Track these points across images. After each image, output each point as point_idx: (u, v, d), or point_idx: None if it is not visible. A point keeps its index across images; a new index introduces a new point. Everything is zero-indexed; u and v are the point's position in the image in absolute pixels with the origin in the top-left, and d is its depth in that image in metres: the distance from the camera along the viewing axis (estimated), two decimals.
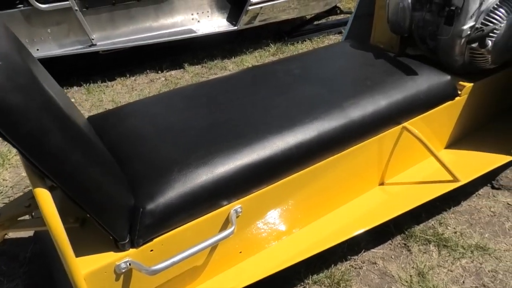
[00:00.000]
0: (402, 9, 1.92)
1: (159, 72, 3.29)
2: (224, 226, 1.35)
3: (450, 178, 1.78)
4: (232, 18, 3.44)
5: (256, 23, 3.41)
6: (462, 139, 2.08)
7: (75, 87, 3.09)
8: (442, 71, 1.88)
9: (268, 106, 1.57)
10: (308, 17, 3.97)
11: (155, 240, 1.22)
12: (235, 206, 1.35)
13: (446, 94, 1.85)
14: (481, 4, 1.83)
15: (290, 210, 1.53)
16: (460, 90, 1.91)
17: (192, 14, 3.30)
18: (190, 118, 1.50)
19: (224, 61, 3.46)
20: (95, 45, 2.99)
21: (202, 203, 1.27)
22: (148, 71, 3.29)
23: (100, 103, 2.90)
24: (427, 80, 1.80)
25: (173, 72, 3.31)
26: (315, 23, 3.98)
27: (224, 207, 1.32)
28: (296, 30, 3.79)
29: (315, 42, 3.73)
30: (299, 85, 1.73)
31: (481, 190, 2.09)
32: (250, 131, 1.42)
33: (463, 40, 1.86)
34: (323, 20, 4.03)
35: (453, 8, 1.83)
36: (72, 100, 2.95)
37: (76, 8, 2.83)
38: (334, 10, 3.83)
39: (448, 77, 1.85)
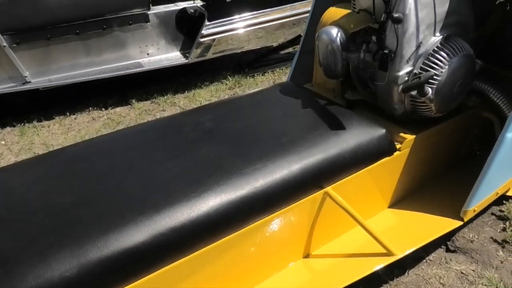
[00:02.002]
0: (332, 52, 1.68)
1: (103, 109, 3.06)
2: None
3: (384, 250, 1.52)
4: (186, 50, 3.23)
5: (210, 55, 3.20)
6: (407, 197, 1.82)
7: (7, 128, 2.85)
8: (377, 123, 1.63)
9: (153, 175, 1.32)
10: (275, 45, 3.76)
11: None
12: None
13: (381, 150, 1.60)
14: (418, 47, 1.59)
15: None
16: (401, 143, 1.66)
17: (139, 47, 3.09)
18: (53, 192, 1.25)
19: (176, 96, 3.24)
20: (30, 82, 2.77)
21: None
22: (91, 108, 3.06)
23: (31, 146, 2.67)
24: (356, 136, 1.55)
25: (118, 109, 3.08)
26: (282, 52, 3.77)
27: None
28: (257, 61, 3.58)
29: (277, 74, 3.51)
30: (202, 144, 1.49)
31: (433, 253, 1.81)
32: (115, 214, 1.17)
33: (400, 87, 1.62)
34: (288, 50, 3.81)
35: (386, 51, 1.59)
36: (2, 142, 2.72)
37: (5, 44, 2.62)
38: (298, 40, 3.61)
39: (383, 131, 1.60)
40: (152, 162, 1.39)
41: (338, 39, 1.65)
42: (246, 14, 3.20)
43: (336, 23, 1.69)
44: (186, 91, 3.29)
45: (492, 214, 2.00)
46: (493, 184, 1.64)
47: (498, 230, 1.91)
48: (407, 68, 1.61)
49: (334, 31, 1.66)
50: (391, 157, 1.63)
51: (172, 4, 3.12)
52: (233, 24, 3.17)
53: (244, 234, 1.32)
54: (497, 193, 1.71)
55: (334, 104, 1.77)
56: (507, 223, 1.93)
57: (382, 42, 1.61)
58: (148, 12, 2.99)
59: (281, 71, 3.55)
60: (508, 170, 1.70)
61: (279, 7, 3.28)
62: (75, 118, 2.98)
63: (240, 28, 3.20)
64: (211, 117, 1.65)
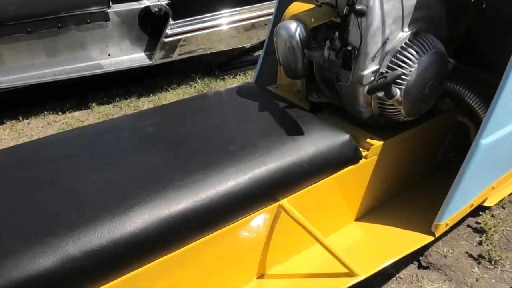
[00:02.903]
0: (291, 49, 1.51)
1: (60, 113, 2.85)
2: None
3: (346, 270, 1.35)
4: (150, 51, 3.04)
5: (175, 56, 3.01)
6: (376, 208, 1.66)
7: None
8: (341, 128, 1.47)
9: (73, 189, 1.13)
10: (248, 47, 3.59)
11: None
12: None
13: (344, 158, 1.43)
14: (385, 43, 1.43)
15: None
16: (367, 150, 1.51)
17: (99, 47, 2.89)
18: None
19: (140, 99, 3.04)
20: None
21: None
22: (46, 112, 2.85)
23: None
24: (316, 142, 1.38)
25: (77, 114, 2.87)
26: (254, 54, 3.61)
27: None
28: (228, 63, 3.40)
29: (249, 76, 3.34)
30: (139, 152, 1.30)
31: (404, 270, 1.66)
32: (17, 236, 0.98)
33: (366, 88, 1.47)
34: (259, 52, 3.65)
35: (349, 48, 1.43)
36: None
37: None
38: None
39: (346, 137, 1.43)
40: (77, 173, 1.21)
41: (297, 34, 1.49)
42: (215, 13, 3.03)
43: (295, 17, 1.54)
44: (152, 94, 3.10)
45: (468, 226, 1.85)
46: (467, 196, 1.49)
47: (474, 244, 1.76)
48: (373, 67, 1.45)
49: (293, 26, 1.49)
50: (356, 165, 1.47)
51: (135, 2, 2.93)
52: (200, 23, 2.99)
53: (182, 255, 1.14)
54: (472, 205, 1.56)
55: (296, 107, 1.61)
56: (484, 236, 1.79)
57: (345, 38, 1.45)
58: (108, 10, 2.80)
59: (252, 73, 3.38)
60: (483, 179, 1.55)
61: (251, 6, 3.11)
62: (28, 123, 2.76)
63: (209, 27, 3.03)
64: (155, 122, 1.47)
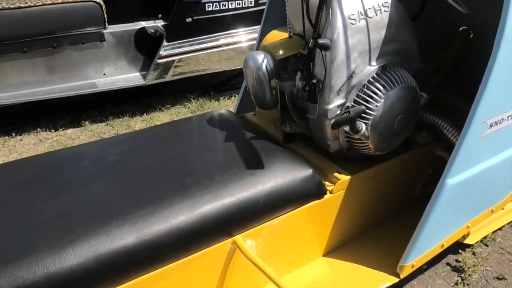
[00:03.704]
0: (258, 80, 1.50)
1: (53, 130, 2.89)
2: None
3: None
4: (145, 70, 3.06)
5: (169, 77, 3.03)
6: (346, 243, 1.61)
7: None
8: (304, 162, 1.44)
9: (17, 220, 1.13)
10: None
11: None
12: None
13: (306, 193, 1.39)
14: (350, 77, 1.41)
15: None
16: (334, 184, 1.47)
17: (94, 66, 2.92)
18: None
19: (133, 118, 3.06)
20: None
21: None
22: (39, 129, 2.88)
23: None
24: (275, 177, 1.34)
25: (69, 131, 2.90)
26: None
27: None
28: (223, 84, 3.41)
29: None
30: (96, 181, 1.29)
31: None
32: None
33: (333, 121, 1.44)
34: None
35: (314, 81, 1.41)
36: None
37: None
38: None
39: (309, 172, 1.40)
40: (30, 201, 1.20)
41: (264, 66, 1.47)
42: (209, 36, 3.05)
43: (264, 48, 1.52)
44: (145, 114, 3.11)
45: (447, 264, 1.78)
46: (435, 236, 1.43)
47: (451, 284, 1.69)
48: (338, 101, 1.43)
49: (260, 57, 1.48)
50: (321, 200, 1.43)
51: (131, 23, 2.97)
52: (194, 45, 3.01)
53: None
54: (443, 245, 1.50)
55: (267, 138, 1.58)
56: (462, 275, 1.72)
57: (311, 71, 1.43)
58: (104, 31, 2.84)
59: None
60: (455, 219, 1.49)
61: (243, 29, 3.13)
62: (20, 139, 2.80)
63: (202, 49, 3.04)
64: (119, 150, 1.46)
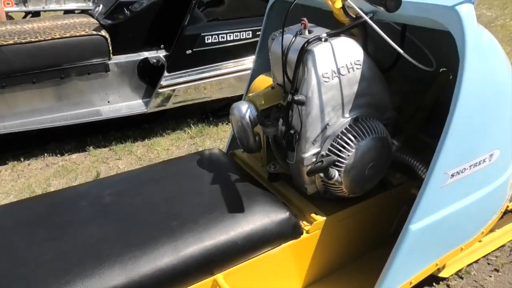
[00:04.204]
0: (242, 128, 1.64)
1: (59, 155, 3.06)
2: None
3: None
4: (147, 98, 3.23)
5: (170, 105, 3.20)
6: (324, 277, 1.73)
7: None
8: (281, 204, 1.57)
9: (22, 261, 1.27)
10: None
11: None
12: None
13: (282, 235, 1.52)
14: (325, 128, 1.54)
15: None
16: (310, 224, 1.60)
17: (99, 95, 3.10)
18: None
19: (135, 143, 3.22)
20: None
21: None
22: (47, 154, 3.06)
23: None
24: (253, 220, 1.48)
25: (74, 156, 3.07)
26: None
27: None
28: (222, 109, 3.56)
29: None
30: (92, 223, 1.44)
31: None
32: None
33: (308, 168, 1.57)
34: None
35: (292, 132, 1.54)
36: None
37: None
38: None
39: (286, 214, 1.53)
40: (32, 242, 1.35)
41: (247, 115, 1.61)
42: (208, 66, 3.21)
43: (248, 98, 1.66)
44: (146, 139, 3.28)
45: None
46: (403, 275, 1.54)
47: None
48: (314, 150, 1.56)
49: (244, 108, 1.62)
50: (297, 240, 1.56)
51: (135, 54, 3.14)
52: (193, 75, 3.18)
53: None
54: (411, 282, 1.61)
55: (251, 178, 1.72)
56: None
57: (289, 121, 1.57)
58: (109, 62, 3.02)
59: None
60: (421, 259, 1.60)
61: (241, 59, 3.28)
62: (28, 164, 2.98)
63: (202, 79, 3.21)
64: (116, 190, 1.61)
